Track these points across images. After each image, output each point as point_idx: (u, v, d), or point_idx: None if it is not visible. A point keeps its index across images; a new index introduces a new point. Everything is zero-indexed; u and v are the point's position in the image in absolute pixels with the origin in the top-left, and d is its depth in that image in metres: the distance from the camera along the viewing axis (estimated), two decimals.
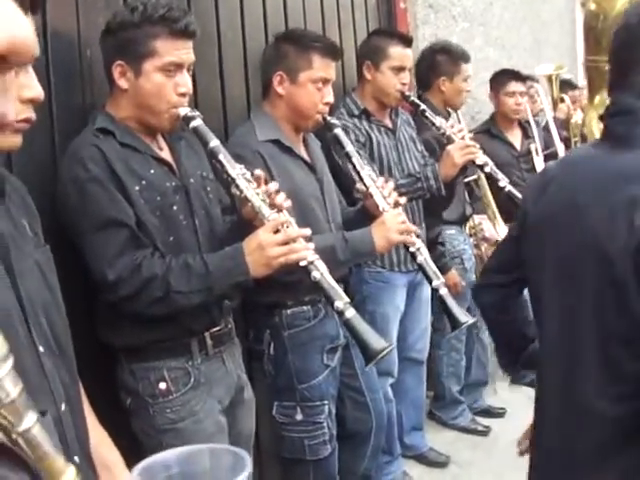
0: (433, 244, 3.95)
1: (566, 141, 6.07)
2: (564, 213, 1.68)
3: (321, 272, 2.22)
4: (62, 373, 1.20)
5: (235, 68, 3.20)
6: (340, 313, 2.24)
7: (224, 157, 2.23)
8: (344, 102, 3.69)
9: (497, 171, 3.54)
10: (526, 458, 1.90)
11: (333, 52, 2.96)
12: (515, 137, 5.13)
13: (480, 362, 4.83)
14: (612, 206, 1.55)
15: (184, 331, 2.30)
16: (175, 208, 2.27)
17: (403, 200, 2.88)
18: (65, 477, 0.75)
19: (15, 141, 0.69)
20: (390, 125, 3.77)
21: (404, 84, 3.69)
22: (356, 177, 2.93)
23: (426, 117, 3.66)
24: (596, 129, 2.51)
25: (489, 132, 5.01)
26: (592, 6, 2.48)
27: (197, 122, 2.24)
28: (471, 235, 4.66)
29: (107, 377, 2.29)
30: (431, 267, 2.87)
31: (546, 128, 5.50)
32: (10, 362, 0.69)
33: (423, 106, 3.69)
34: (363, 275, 3.62)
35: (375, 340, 2.25)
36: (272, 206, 2.23)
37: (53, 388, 1.15)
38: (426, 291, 3.82)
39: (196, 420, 2.29)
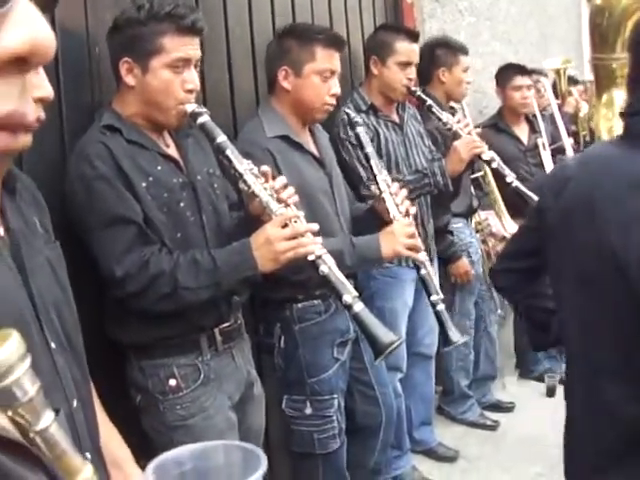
0: (442, 233, 3.95)
1: (574, 135, 6.07)
2: (582, 220, 1.66)
3: (329, 266, 2.23)
4: (73, 370, 1.20)
5: (243, 64, 3.21)
6: (349, 307, 2.24)
7: (231, 153, 2.23)
8: (351, 97, 3.69)
9: (504, 167, 3.54)
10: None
11: (336, 43, 2.95)
12: (522, 131, 5.13)
13: (488, 356, 4.83)
14: (628, 215, 1.54)
15: (193, 327, 2.30)
16: (182, 205, 2.28)
17: (413, 210, 2.88)
18: (82, 475, 0.75)
19: (28, 140, 0.69)
20: (397, 120, 3.77)
21: (410, 79, 3.68)
22: (371, 178, 2.93)
23: (432, 113, 3.66)
24: (604, 128, 2.50)
25: (496, 126, 5.01)
26: (598, 0, 2.47)
27: (204, 118, 2.24)
28: (478, 231, 4.66)
29: (116, 375, 2.29)
30: (433, 281, 2.91)
31: (553, 122, 5.49)
32: (28, 361, 0.69)
33: (430, 101, 3.70)
34: (371, 271, 3.62)
35: (384, 334, 2.25)
36: (279, 201, 2.23)
37: (65, 385, 1.15)
38: None
39: (206, 416, 2.29)
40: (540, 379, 5.21)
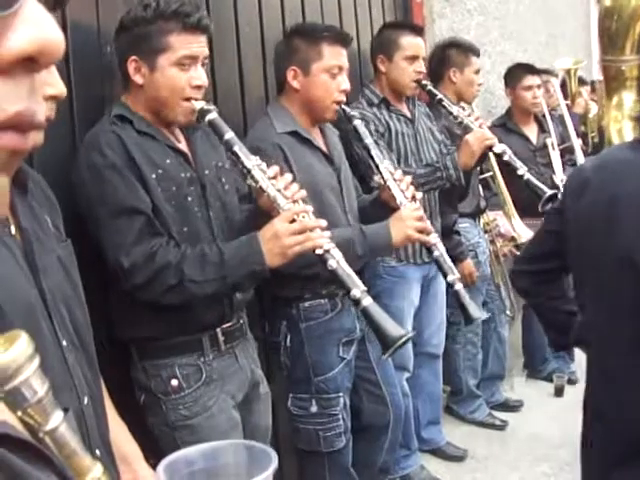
0: (449, 233, 3.95)
1: (583, 136, 6.04)
2: (601, 225, 1.66)
3: (337, 260, 2.20)
4: (84, 367, 1.21)
5: (253, 61, 3.22)
6: (357, 302, 2.21)
7: (239, 149, 2.23)
8: (363, 93, 3.70)
9: (515, 159, 3.46)
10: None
11: (342, 39, 2.95)
12: (531, 131, 5.11)
13: (498, 356, 4.82)
14: None
15: (195, 327, 2.30)
16: (190, 199, 2.28)
17: (419, 195, 2.87)
18: (92, 475, 0.75)
19: (38, 140, 0.69)
20: (409, 115, 3.77)
21: (419, 72, 3.68)
22: (374, 169, 2.93)
23: (443, 106, 3.65)
24: (614, 131, 2.49)
25: (505, 126, 5.00)
26: (607, 2, 2.46)
27: (212, 115, 2.24)
28: (486, 231, 4.65)
29: (122, 373, 2.30)
30: (447, 262, 2.87)
31: (561, 123, 5.47)
32: (37, 361, 0.69)
33: (440, 95, 3.70)
34: (377, 270, 3.62)
35: (393, 328, 2.22)
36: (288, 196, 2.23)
37: (76, 382, 1.16)
38: (441, 285, 3.81)
39: (209, 416, 2.29)
40: (548, 379, 5.20)
